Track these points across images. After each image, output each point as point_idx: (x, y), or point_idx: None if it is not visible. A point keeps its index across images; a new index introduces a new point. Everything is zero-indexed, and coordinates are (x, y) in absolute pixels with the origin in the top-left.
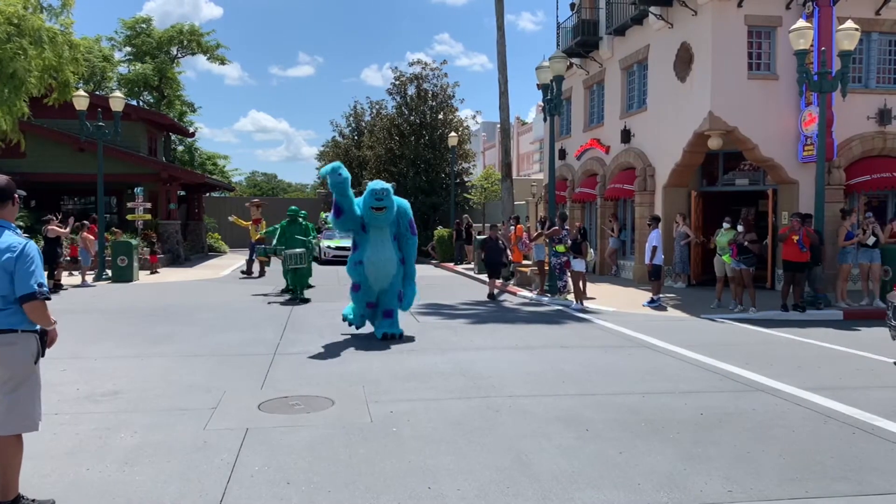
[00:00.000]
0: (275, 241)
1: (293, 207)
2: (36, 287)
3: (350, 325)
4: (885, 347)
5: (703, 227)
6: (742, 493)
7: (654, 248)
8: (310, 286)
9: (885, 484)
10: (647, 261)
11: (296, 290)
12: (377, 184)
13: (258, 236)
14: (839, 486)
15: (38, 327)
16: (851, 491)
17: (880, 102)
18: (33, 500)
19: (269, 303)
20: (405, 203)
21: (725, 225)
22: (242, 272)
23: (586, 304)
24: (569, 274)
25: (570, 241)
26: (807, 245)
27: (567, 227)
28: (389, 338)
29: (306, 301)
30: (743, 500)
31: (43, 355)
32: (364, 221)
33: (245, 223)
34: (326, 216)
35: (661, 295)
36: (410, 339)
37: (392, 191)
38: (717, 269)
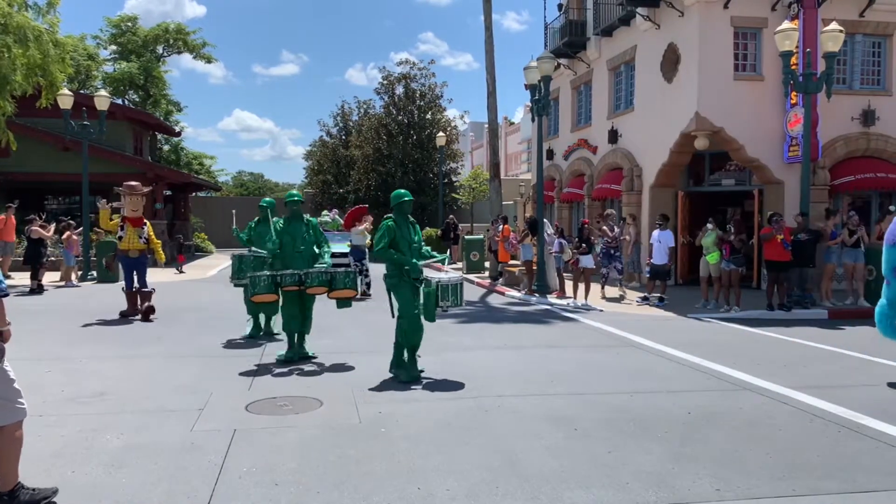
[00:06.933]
0: (254, 248)
1: (272, 199)
2: None
3: None
4: (870, 346)
5: (690, 227)
6: (730, 492)
7: (650, 247)
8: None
9: (870, 482)
10: (655, 260)
11: (292, 341)
12: None
13: (135, 245)
14: (825, 484)
15: None
16: (837, 489)
17: (864, 103)
18: (34, 489)
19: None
20: None
21: (709, 226)
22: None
23: (569, 301)
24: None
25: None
26: (790, 244)
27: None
28: None
29: (312, 358)
30: (731, 498)
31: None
32: None
33: (111, 224)
34: (325, 215)
35: (651, 294)
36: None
37: None
38: (701, 270)
